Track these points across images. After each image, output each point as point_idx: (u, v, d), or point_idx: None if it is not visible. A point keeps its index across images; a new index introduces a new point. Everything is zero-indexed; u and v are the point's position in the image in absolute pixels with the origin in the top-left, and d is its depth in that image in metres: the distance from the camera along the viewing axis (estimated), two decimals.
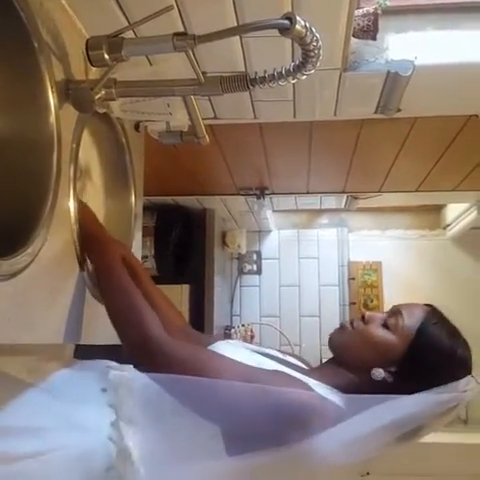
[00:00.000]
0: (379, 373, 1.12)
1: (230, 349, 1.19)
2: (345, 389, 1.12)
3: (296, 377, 1.08)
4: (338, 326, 1.24)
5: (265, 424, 1.00)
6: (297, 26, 0.89)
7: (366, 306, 3.63)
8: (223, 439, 1.00)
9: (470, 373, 1.12)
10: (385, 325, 1.17)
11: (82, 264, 1.19)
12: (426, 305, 1.20)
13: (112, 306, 1.15)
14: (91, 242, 1.21)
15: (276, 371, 1.09)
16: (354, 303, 3.66)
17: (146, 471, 0.99)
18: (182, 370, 1.01)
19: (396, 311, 1.18)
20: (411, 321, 1.14)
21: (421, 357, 1.12)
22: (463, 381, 1.09)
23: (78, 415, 1.04)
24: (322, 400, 1.04)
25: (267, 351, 1.25)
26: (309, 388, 1.06)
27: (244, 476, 1.04)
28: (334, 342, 1.22)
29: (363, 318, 1.20)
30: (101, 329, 1.29)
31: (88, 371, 1.14)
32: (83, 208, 1.26)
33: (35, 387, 1.05)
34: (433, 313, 1.17)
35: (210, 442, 1.01)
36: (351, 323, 1.21)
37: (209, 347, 1.22)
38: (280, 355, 1.27)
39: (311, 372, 1.20)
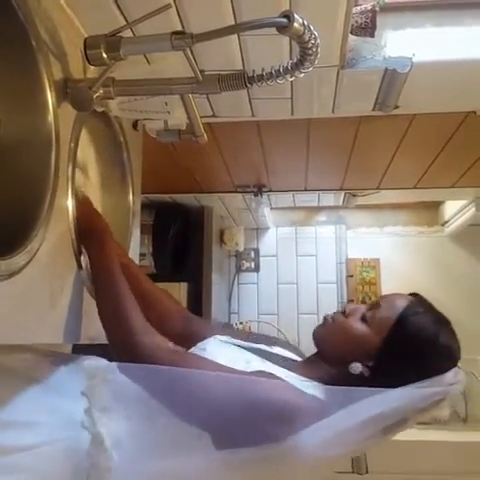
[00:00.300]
0: (357, 367, 1.10)
1: (218, 347, 1.19)
2: (326, 383, 1.11)
3: (278, 376, 1.07)
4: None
5: (244, 423, 1.00)
6: (295, 24, 0.89)
7: (364, 303, 3.62)
8: (210, 433, 1.00)
9: (456, 364, 1.09)
10: (363, 318, 1.15)
11: (79, 261, 1.19)
12: (411, 294, 1.17)
13: (103, 305, 1.16)
14: (92, 237, 1.21)
15: (259, 372, 1.08)
16: (352, 300, 3.66)
17: (120, 458, 0.99)
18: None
19: (376, 303, 1.17)
20: (389, 313, 1.11)
21: (399, 350, 1.09)
22: (450, 374, 1.07)
23: (67, 410, 1.05)
24: (302, 396, 1.03)
25: (254, 345, 1.25)
26: (291, 387, 1.05)
27: (226, 468, 1.03)
28: (316, 335, 1.21)
29: (344, 311, 1.19)
30: (96, 329, 1.29)
31: (77, 367, 1.15)
32: (86, 202, 1.25)
33: (29, 382, 1.06)
34: (416, 303, 1.13)
35: (189, 434, 1.01)
36: (333, 317, 1.20)
37: (199, 344, 1.23)
38: (267, 348, 1.26)
39: (295, 366, 1.19)
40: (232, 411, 1.00)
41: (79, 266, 1.19)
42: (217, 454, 1.00)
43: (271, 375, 1.07)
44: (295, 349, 1.33)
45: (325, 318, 1.21)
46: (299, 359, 1.28)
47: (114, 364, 1.05)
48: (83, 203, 1.25)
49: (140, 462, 1.02)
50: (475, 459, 2.71)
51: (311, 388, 1.07)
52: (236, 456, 0.99)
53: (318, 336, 1.21)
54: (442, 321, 1.13)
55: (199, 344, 1.23)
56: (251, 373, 1.07)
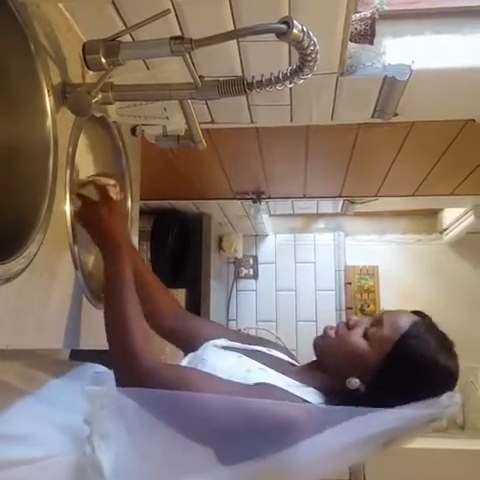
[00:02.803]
0: (354, 382, 1.10)
1: (217, 356, 1.19)
2: (322, 392, 1.12)
3: (279, 387, 1.07)
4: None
5: (248, 439, 0.99)
6: (294, 30, 0.89)
7: (362, 311, 3.63)
8: (214, 450, 1.00)
9: (453, 388, 1.09)
10: (365, 334, 1.15)
11: (76, 263, 1.19)
12: (416, 313, 1.17)
13: (109, 319, 1.14)
14: (109, 248, 1.21)
15: (260, 385, 1.07)
16: (350, 308, 3.66)
17: None
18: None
19: (379, 319, 1.16)
20: (390, 332, 1.11)
21: (397, 371, 1.09)
22: (445, 396, 1.06)
23: (71, 423, 1.04)
24: (304, 408, 1.03)
25: (253, 348, 1.24)
26: (292, 398, 1.05)
27: None
28: (316, 347, 1.21)
29: (348, 324, 1.18)
30: (98, 334, 1.28)
31: (79, 379, 1.14)
32: (112, 212, 1.26)
33: (29, 394, 1.05)
34: (418, 324, 1.13)
35: (190, 455, 1.01)
36: (336, 328, 1.20)
37: (199, 353, 1.23)
38: (265, 350, 1.26)
39: (293, 371, 1.19)
40: (236, 428, 0.99)
41: (76, 267, 1.18)
42: (220, 471, 0.99)
43: (272, 387, 1.06)
44: (290, 354, 1.33)
45: (325, 330, 1.21)
46: (295, 362, 1.28)
47: (114, 388, 1.03)
48: (110, 214, 1.25)
49: None
50: (473, 466, 2.71)
51: (309, 394, 1.07)
52: (240, 473, 0.99)
53: (319, 347, 1.21)
54: (444, 345, 1.12)
55: (198, 353, 1.23)
56: (253, 386, 1.07)
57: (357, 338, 1.14)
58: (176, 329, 1.37)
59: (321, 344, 1.20)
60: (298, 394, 1.07)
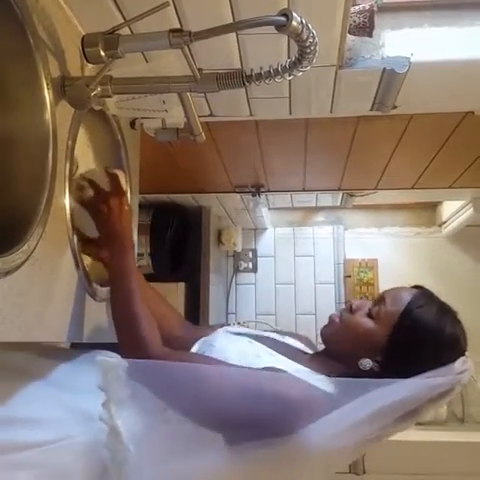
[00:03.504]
0: (366, 363, 1.12)
1: (227, 340, 1.19)
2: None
3: (287, 372, 1.08)
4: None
5: (256, 417, 1.00)
6: (293, 22, 0.89)
7: None
8: (221, 430, 1.01)
9: (464, 353, 1.10)
10: (369, 314, 1.16)
11: (77, 260, 1.19)
12: (415, 287, 1.19)
13: (117, 311, 1.17)
14: (115, 240, 1.21)
15: (268, 369, 1.08)
16: (350, 301, 3.66)
17: (137, 451, 1.00)
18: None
19: (380, 298, 1.18)
20: (394, 307, 1.13)
21: (406, 343, 1.10)
22: (457, 362, 1.08)
23: (82, 406, 1.05)
24: (312, 390, 1.04)
25: (265, 334, 1.25)
26: (301, 381, 1.06)
27: (238, 466, 1.03)
28: (324, 335, 1.22)
29: (351, 308, 1.20)
30: (98, 327, 1.29)
31: (85, 363, 1.15)
32: (122, 207, 1.25)
33: (39, 379, 1.06)
34: (420, 296, 1.15)
35: (203, 431, 1.02)
36: (340, 314, 1.22)
37: (209, 338, 1.23)
38: (278, 337, 1.27)
39: (305, 359, 1.20)
40: (244, 406, 1.01)
41: (77, 265, 1.19)
42: (230, 451, 1.00)
43: (281, 372, 1.07)
44: (311, 344, 1.34)
45: (330, 317, 1.23)
46: (310, 351, 1.29)
47: (126, 362, 1.05)
48: (120, 208, 1.25)
49: (155, 456, 1.02)
50: (472, 459, 2.71)
51: (320, 382, 1.07)
52: (249, 454, 1.00)
53: (326, 335, 1.22)
54: (447, 311, 1.15)
55: (208, 338, 1.24)
56: (261, 370, 1.07)
57: (362, 318, 1.16)
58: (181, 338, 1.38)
59: (328, 332, 1.22)
60: (308, 380, 1.07)
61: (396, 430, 1.12)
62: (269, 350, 1.16)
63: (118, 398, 1.02)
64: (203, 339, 1.24)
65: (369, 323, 1.15)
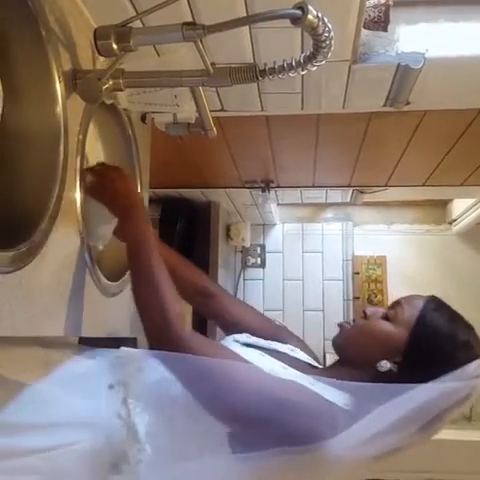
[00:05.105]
0: (385, 364, 1.11)
1: (238, 351, 1.18)
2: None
3: (308, 388, 1.06)
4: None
5: (270, 423, 0.99)
6: (309, 16, 0.87)
7: (370, 301, 3.63)
8: (227, 436, 1.00)
9: (478, 356, 1.10)
10: (386, 317, 1.17)
11: (89, 257, 1.18)
12: (427, 296, 1.21)
13: (140, 286, 1.13)
14: (130, 211, 1.19)
15: (291, 382, 1.07)
16: (358, 298, 3.65)
17: (152, 451, 0.99)
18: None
19: (396, 303, 1.19)
20: (411, 310, 1.14)
21: (424, 344, 1.11)
22: (472, 366, 1.07)
23: (87, 411, 1.04)
24: (332, 408, 1.03)
25: (276, 348, 1.24)
26: (319, 398, 1.04)
27: (244, 473, 1.02)
28: (336, 343, 1.22)
29: (364, 314, 1.20)
30: (107, 322, 1.28)
31: (97, 365, 1.13)
32: (123, 175, 1.25)
33: (44, 382, 1.05)
34: (432, 301, 1.17)
35: (215, 435, 1.00)
36: (353, 321, 1.23)
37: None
38: (289, 352, 1.26)
39: (317, 372, 1.19)
40: (261, 408, 1.00)
41: (87, 260, 1.18)
42: (234, 459, 0.99)
43: (299, 385, 1.06)
44: (311, 353, 1.34)
45: (340, 325, 1.23)
46: (317, 365, 1.28)
47: (147, 351, 1.04)
48: (121, 176, 1.25)
49: (171, 456, 1.01)
50: (479, 457, 2.71)
51: (336, 396, 1.06)
52: (253, 462, 0.99)
53: (340, 342, 1.22)
54: (459, 317, 1.16)
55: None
56: (282, 379, 1.07)
57: (379, 321, 1.17)
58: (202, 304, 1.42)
59: (341, 338, 1.22)
60: (322, 394, 1.06)
61: (414, 441, 1.12)
62: (281, 363, 1.15)
63: (136, 393, 1.02)
64: None
65: (387, 325, 1.15)
